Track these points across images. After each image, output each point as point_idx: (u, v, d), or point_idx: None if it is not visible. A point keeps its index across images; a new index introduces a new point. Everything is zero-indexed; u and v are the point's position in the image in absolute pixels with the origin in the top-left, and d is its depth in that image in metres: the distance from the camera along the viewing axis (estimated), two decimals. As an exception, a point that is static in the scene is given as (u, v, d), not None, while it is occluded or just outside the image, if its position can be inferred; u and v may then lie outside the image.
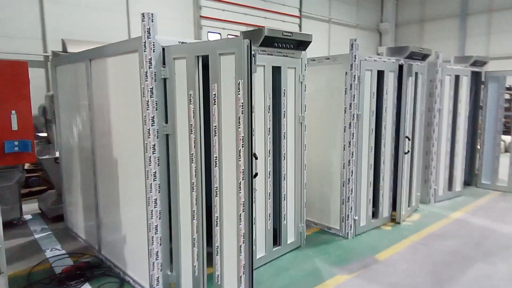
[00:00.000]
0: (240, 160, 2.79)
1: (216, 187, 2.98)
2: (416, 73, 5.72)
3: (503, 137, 8.56)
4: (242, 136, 2.74)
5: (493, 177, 7.59)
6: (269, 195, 4.20)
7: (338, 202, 5.12)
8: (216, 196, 2.99)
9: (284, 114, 4.29)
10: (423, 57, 5.90)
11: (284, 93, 4.26)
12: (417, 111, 5.93)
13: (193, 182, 3.11)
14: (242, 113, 2.72)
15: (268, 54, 4.03)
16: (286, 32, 4.03)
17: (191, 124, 3.04)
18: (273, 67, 4.09)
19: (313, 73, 5.23)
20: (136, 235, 3.65)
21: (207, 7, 11.85)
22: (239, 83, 2.73)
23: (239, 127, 2.74)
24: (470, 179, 7.98)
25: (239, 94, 2.73)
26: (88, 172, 4.40)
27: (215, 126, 2.91)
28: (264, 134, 4.07)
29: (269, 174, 4.17)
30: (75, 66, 4.45)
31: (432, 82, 6.38)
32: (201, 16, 11.74)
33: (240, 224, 2.86)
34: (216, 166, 2.96)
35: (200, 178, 3.09)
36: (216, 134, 2.91)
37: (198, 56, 2.97)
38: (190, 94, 3.01)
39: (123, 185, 3.79)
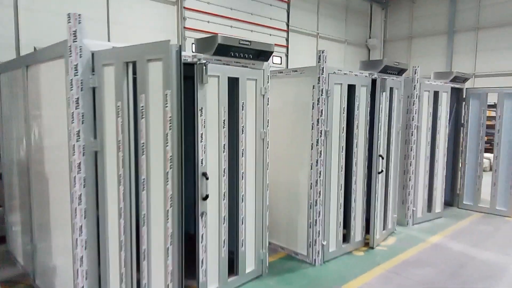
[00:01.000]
0: (168, 184, 2.40)
1: (144, 214, 2.57)
2: (392, 88, 5.43)
3: (487, 155, 8.32)
4: (171, 156, 2.35)
5: (475, 198, 7.28)
6: (224, 219, 3.80)
7: (305, 225, 4.72)
8: (143, 225, 2.58)
9: (242, 130, 3.92)
10: (399, 71, 5.62)
11: (242, 106, 3.90)
12: (393, 128, 5.62)
13: (121, 208, 2.70)
14: (170, 128, 2.33)
15: (224, 63, 3.68)
16: (243, 40, 3.70)
17: (119, 140, 2.65)
18: (229, 78, 3.74)
19: (281, 86, 4.91)
20: (64, 265, 3.20)
21: (191, 19, 11.55)
22: (166, 94, 2.35)
23: (167, 145, 2.36)
24: (452, 200, 7.66)
25: (166, 106, 2.35)
26: (24, 190, 3.96)
27: (143, 143, 2.52)
28: (218, 152, 3.69)
29: (224, 195, 3.78)
30: (14, 74, 4.05)
31: (410, 98, 6.10)
32: (185, 28, 11.44)
33: (168, 259, 2.44)
34: (143, 190, 2.56)
35: (129, 203, 2.68)
36: (144, 153, 2.52)
37: (127, 63, 2.60)
38: (118, 106, 2.62)
39: (53, 207, 3.36)
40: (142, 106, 2.49)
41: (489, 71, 15.42)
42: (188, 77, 3.24)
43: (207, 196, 3.51)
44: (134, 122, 2.65)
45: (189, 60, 3.39)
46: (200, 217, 3.54)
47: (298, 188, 4.80)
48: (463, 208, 7.39)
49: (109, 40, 9.93)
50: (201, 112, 3.46)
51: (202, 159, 3.50)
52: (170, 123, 2.32)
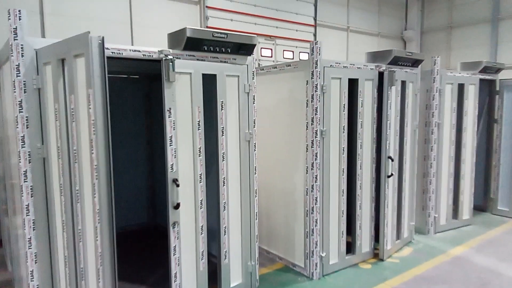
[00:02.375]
0: (95, 197, 2.11)
1: (80, 229, 2.31)
2: (404, 82, 4.85)
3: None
4: (96, 166, 2.06)
5: (511, 203, 6.46)
6: (202, 229, 3.48)
7: (302, 234, 4.30)
8: (79, 241, 2.32)
9: (222, 131, 3.58)
10: (414, 63, 5.02)
11: (222, 106, 3.56)
12: (407, 126, 5.03)
13: (63, 220, 2.46)
14: (94, 133, 2.04)
15: (198, 59, 3.36)
16: (218, 32, 3.35)
17: (58, 146, 2.41)
18: (205, 75, 3.41)
19: (275, 82, 4.52)
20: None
21: (214, 17, 11.29)
22: (89, 94, 2.06)
23: (92, 153, 2.07)
24: (485, 205, 6.86)
25: (90, 108, 2.07)
26: (3, 196, 3.88)
27: (75, 150, 2.26)
28: (193, 156, 3.38)
29: (201, 203, 3.46)
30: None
31: (429, 92, 5.46)
32: (208, 27, 11.24)
33: (100, 282, 2.16)
34: (78, 202, 2.29)
35: (71, 216, 2.44)
36: (77, 161, 2.26)
37: (62, 60, 2.34)
38: (56, 108, 2.38)
39: (17, 215, 3.20)
40: (72, 108, 2.23)
41: (539, 61, 13.93)
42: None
43: (178, 205, 3.21)
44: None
45: (155, 56, 3.11)
46: (171, 228, 3.24)
47: (294, 194, 4.38)
48: (497, 214, 6.59)
49: (132, 44, 9.95)
50: (170, 113, 3.16)
51: (172, 164, 3.20)
52: (94, 128, 2.04)
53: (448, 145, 5.72)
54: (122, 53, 2.97)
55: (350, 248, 4.61)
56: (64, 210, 2.44)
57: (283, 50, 12.43)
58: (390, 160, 4.59)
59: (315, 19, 14.02)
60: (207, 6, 10.90)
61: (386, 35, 17.22)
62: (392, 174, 4.64)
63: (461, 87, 5.76)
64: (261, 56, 11.56)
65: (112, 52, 2.92)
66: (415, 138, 5.28)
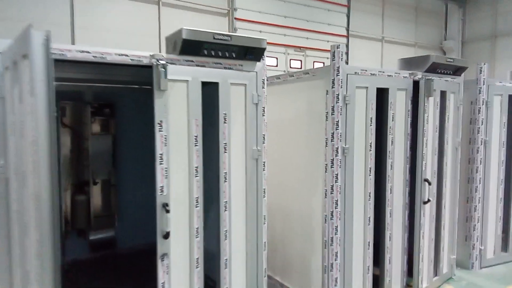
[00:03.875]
0: (37, 233, 1.67)
1: (27, 270, 1.88)
2: (444, 92, 4.18)
3: None
4: (37, 194, 1.62)
5: None
6: (197, 262, 2.98)
7: (320, 268, 3.70)
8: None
9: (225, 148, 3.10)
10: (456, 71, 4.33)
11: (225, 119, 3.08)
12: (448, 144, 4.33)
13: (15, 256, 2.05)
14: (35, 153, 1.61)
15: (198, 65, 2.92)
16: (221, 34, 2.90)
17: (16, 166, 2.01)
18: (205, 83, 2.96)
19: (291, 93, 4.02)
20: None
21: (243, 29, 11.00)
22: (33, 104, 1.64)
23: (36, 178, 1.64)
24: (541, 235, 5.90)
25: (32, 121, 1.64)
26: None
27: (23, 171, 1.84)
28: (188, 176, 2.91)
29: (198, 232, 2.97)
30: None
31: (474, 104, 4.72)
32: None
33: None
34: (25, 236, 1.87)
35: (19, 252, 2.02)
36: (23, 185, 1.84)
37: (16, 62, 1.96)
38: (12, 121, 1.99)
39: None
40: (22, 121, 1.83)
41: None
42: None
43: (168, 234, 2.74)
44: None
45: (146, 61, 2.70)
46: (160, 260, 2.77)
47: (311, 221, 3.80)
48: (557, 247, 5.62)
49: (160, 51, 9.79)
50: (160, 126, 2.72)
51: (162, 186, 2.75)
52: (35, 146, 1.61)
53: (496, 165, 4.93)
54: (106, 58, 2.58)
55: (378, 285, 3.94)
56: (18, 244, 2.04)
57: (314, 62, 11.91)
58: (426, 184, 3.91)
59: (347, 30, 13.39)
60: (235, 18, 10.59)
61: (424, 45, 16.22)
62: (429, 200, 3.95)
63: (512, 99, 4.98)
64: (290, 67, 11.08)
65: (94, 56, 2.53)
66: (457, 157, 4.55)
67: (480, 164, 4.75)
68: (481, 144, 4.72)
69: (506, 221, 5.13)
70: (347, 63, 13.05)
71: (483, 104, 4.67)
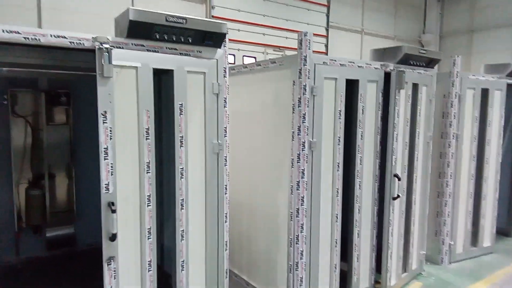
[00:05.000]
0: None
1: None
2: (416, 85, 4.05)
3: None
4: None
5: (542, 228, 5.55)
6: (149, 265, 2.76)
7: (285, 268, 3.54)
8: None
9: (181, 142, 2.86)
10: (429, 63, 4.21)
11: (181, 110, 2.84)
12: (419, 138, 4.22)
13: None
14: None
15: (149, 50, 2.65)
16: (174, 16, 2.64)
17: None
18: (157, 70, 2.70)
19: (258, 83, 3.80)
20: None
21: None
22: None
23: None
24: (509, 229, 5.95)
25: None
26: None
27: None
28: (138, 173, 2.67)
29: (150, 232, 2.74)
30: None
31: (446, 98, 4.63)
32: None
33: None
34: None
35: None
36: None
37: None
38: None
39: None
40: None
41: None
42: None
43: (114, 236, 2.50)
44: None
45: (87, 44, 2.41)
46: (106, 264, 2.54)
47: (277, 219, 3.63)
48: (525, 240, 5.69)
49: None
50: (105, 117, 2.47)
51: (107, 184, 2.50)
52: None
53: (467, 160, 4.88)
54: (39, 39, 2.29)
55: (343, 283, 3.82)
56: None
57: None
58: (396, 179, 3.79)
59: (327, 30, 13.18)
60: (213, 16, 10.18)
61: (403, 38, 16.25)
62: (398, 196, 3.84)
63: (484, 93, 4.91)
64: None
65: (25, 38, 2.24)
66: (428, 152, 4.45)
67: (452, 158, 4.68)
68: (453, 139, 4.65)
69: (475, 216, 5.11)
70: (326, 54, 12.91)
71: (455, 98, 4.58)
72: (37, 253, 4.75)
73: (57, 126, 4.79)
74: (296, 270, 3.40)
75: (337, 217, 3.61)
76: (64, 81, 4.75)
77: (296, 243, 3.38)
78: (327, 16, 12.89)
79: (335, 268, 3.66)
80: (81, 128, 4.93)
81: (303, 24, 12.04)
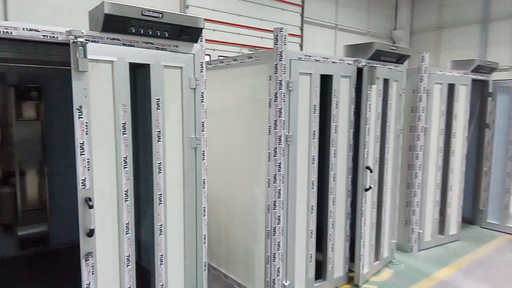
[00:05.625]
0: None
1: None
2: (387, 80, 4.20)
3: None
4: None
5: (502, 216, 5.90)
6: (127, 260, 2.76)
7: (263, 259, 3.62)
8: None
9: (158, 137, 2.86)
10: (399, 59, 4.37)
11: (158, 104, 2.84)
12: (390, 131, 4.39)
13: None
14: None
15: (125, 44, 2.64)
16: (150, 10, 2.63)
17: None
18: (134, 64, 2.69)
19: (235, 78, 3.84)
20: None
21: None
22: None
23: None
24: (474, 217, 6.29)
25: None
26: None
27: None
28: (116, 168, 2.66)
29: (128, 227, 2.74)
30: None
31: (415, 92, 4.83)
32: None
33: None
34: None
35: None
36: None
37: None
38: None
39: None
40: None
41: (529, 63, 13.57)
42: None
43: (92, 231, 2.49)
44: None
45: (61, 38, 2.38)
46: (84, 260, 2.52)
47: (254, 211, 3.70)
48: (487, 228, 6.03)
49: None
50: (80, 112, 2.44)
51: (84, 179, 2.48)
52: None
53: (435, 152, 5.11)
54: (11, 33, 2.23)
55: (319, 273, 3.95)
56: None
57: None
58: (368, 171, 3.94)
59: (302, 16, 13.33)
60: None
61: (376, 34, 16.66)
62: (370, 187, 3.99)
63: (451, 88, 5.15)
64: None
65: (-5, 31, 2.18)
66: (398, 144, 4.64)
67: (420, 151, 4.89)
68: (422, 132, 4.86)
69: (442, 206, 5.37)
70: (301, 49, 13.03)
71: (424, 93, 4.79)
72: (8, 253, 4.62)
73: (28, 121, 4.66)
74: (273, 260, 3.49)
75: (312, 209, 3.72)
76: (35, 76, 4.62)
77: (273, 235, 3.46)
78: (302, 16, 13.03)
79: (311, 258, 3.78)
80: (53, 124, 4.81)
81: (278, 24, 12.07)
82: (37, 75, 4.63)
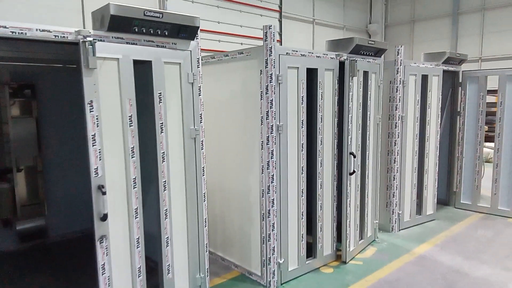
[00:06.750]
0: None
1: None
2: (366, 73, 4.54)
3: (490, 144, 7.41)
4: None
5: (474, 196, 6.39)
6: (138, 242, 2.99)
7: (258, 240, 3.91)
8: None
9: (161, 128, 3.09)
10: (377, 52, 4.72)
11: (160, 98, 3.06)
12: (370, 120, 4.74)
13: None
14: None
15: (128, 42, 2.84)
16: (151, 11, 2.85)
17: None
18: (137, 61, 2.90)
19: (227, 72, 4.08)
20: None
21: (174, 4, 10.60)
22: None
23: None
24: (448, 199, 6.78)
25: None
26: None
27: None
28: (124, 157, 2.87)
29: (137, 212, 2.97)
30: None
31: (392, 83, 5.20)
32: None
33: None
34: None
35: None
36: None
37: None
38: None
39: None
40: None
41: (496, 54, 14.31)
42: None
43: (105, 216, 2.71)
44: None
45: (71, 37, 2.56)
46: (98, 243, 2.74)
47: (249, 196, 3.97)
48: (461, 208, 6.52)
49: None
50: (91, 106, 2.64)
51: (96, 168, 2.69)
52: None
53: (412, 139, 5.52)
54: (25, 33, 2.41)
55: (310, 252, 4.27)
56: None
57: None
58: (352, 157, 4.27)
59: (280, 11, 13.59)
60: None
61: (352, 28, 17.14)
62: (354, 171, 4.33)
63: (424, 79, 5.56)
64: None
65: (12, 32, 2.35)
66: (378, 132, 5.00)
67: (398, 138, 5.27)
68: (399, 120, 5.24)
69: (419, 188, 5.79)
70: (281, 45, 13.32)
71: (400, 83, 5.16)
72: (8, 247, 4.74)
73: (22, 118, 4.76)
74: (268, 241, 3.78)
75: (302, 192, 4.03)
76: (28, 74, 4.73)
77: (268, 217, 3.75)
78: (280, 21, 13.29)
79: (302, 237, 4.09)
80: (46, 120, 4.93)
81: (257, 30, 12.32)
82: (29, 73, 4.73)
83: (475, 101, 6.27)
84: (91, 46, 2.56)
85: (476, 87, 6.27)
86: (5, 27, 2.33)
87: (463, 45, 15.39)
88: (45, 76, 4.88)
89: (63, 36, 2.54)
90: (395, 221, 5.44)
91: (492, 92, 7.48)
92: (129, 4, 2.75)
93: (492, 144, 7.18)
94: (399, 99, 5.19)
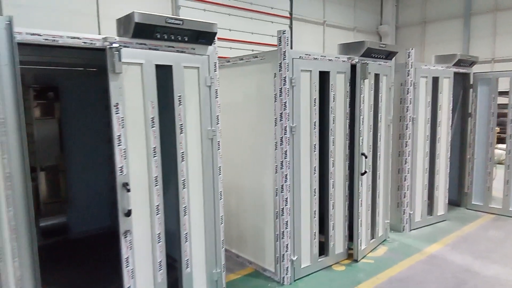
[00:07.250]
0: (10, 211, 1.76)
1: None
2: (378, 75, 4.64)
3: (501, 146, 7.41)
4: (8, 173, 1.70)
5: (486, 197, 6.41)
6: (159, 237, 3.15)
7: (272, 238, 4.04)
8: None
9: (181, 129, 3.25)
10: (388, 55, 4.81)
11: (180, 101, 3.22)
12: (382, 121, 4.84)
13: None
14: (4, 135, 1.69)
15: (151, 48, 3.01)
16: (173, 18, 3.01)
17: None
18: (159, 66, 3.06)
19: (242, 76, 4.22)
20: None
21: (186, 7, 10.78)
22: (-3, 87, 1.70)
23: (4, 158, 1.71)
24: (459, 200, 6.80)
25: (-2, 104, 1.70)
26: None
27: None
28: (147, 157, 3.04)
29: (158, 209, 3.12)
30: None
31: (403, 86, 5.28)
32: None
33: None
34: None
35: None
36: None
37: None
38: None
39: None
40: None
41: (510, 55, 14.18)
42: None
43: (129, 212, 2.87)
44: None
45: (98, 44, 2.74)
46: (123, 237, 2.90)
47: (263, 195, 4.11)
48: (472, 209, 6.54)
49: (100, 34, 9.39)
50: (117, 108, 2.81)
51: (121, 167, 2.86)
52: (3, 128, 1.68)
53: (422, 140, 5.58)
54: (58, 41, 2.59)
55: (322, 250, 4.38)
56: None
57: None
58: (363, 157, 4.37)
59: (290, 13, 13.71)
60: None
61: (362, 29, 17.14)
62: (366, 172, 4.43)
63: (435, 81, 5.62)
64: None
65: (45, 39, 2.54)
66: (389, 133, 5.09)
67: (409, 139, 5.35)
68: (410, 121, 5.31)
69: (430, 189, 5.85)
70: (291, 48, 13.43)
71: (411, 86, 5.24)
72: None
73: (46, 120, 4.99)
74: (282, 238, 3.91)
75: (315, 192, 4.14)
76: (51, 77, 4.95)
77: (282, 215, 3.88)
78: (290, 27, 13.40)
79: (315, 236, 4.21)
80: (69, 122, 5.14)
81: (268, 36, 12.49)
82: (52, 76, 4.95)
83: (486, 103, 6.30)
84: (117, 52, 2.73)
85: (487, 88, 6.31)
86: (39, 35, 2.51)
87: (475, 47, 15.29)
88: (67, 79, 5.09)
89: (92, 43, 2.72)
90: (406, 221, 5.51)
91: (504, 93, 7.48)
92: (152, 12, 2.92)
93: (504, 146, 7.20)
94: (410, 101, 5.27)
